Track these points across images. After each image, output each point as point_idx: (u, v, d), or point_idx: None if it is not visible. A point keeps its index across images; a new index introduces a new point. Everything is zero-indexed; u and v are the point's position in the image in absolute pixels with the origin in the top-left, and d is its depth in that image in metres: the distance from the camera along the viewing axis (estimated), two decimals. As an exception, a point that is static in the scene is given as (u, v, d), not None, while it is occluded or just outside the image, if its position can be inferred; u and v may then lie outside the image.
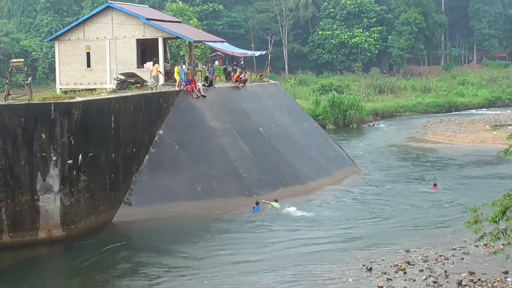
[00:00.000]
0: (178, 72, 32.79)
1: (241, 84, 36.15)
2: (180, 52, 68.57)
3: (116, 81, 32.31)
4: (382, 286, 18.50)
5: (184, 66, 34.16)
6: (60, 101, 25.72)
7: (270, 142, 33.73)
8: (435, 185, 32.73)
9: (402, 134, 54.73)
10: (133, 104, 28.70)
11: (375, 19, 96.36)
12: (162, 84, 34.72)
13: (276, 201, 29.13)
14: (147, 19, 35.54)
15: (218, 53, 59.46)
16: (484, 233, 14.95)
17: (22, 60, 33.11)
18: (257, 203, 28.56)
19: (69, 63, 36.66)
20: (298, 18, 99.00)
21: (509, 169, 36.75)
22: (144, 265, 21.55)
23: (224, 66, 49.07)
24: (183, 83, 32.44)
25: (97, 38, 36.02)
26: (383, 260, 21.03)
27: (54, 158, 24.04)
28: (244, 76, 37.28)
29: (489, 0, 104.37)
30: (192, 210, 27.91)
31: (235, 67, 39.22)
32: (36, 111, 24.10)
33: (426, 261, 20.65)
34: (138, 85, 31.88)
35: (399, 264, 20.32)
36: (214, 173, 29.86)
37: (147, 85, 32.83)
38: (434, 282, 18.70)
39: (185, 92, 32.19)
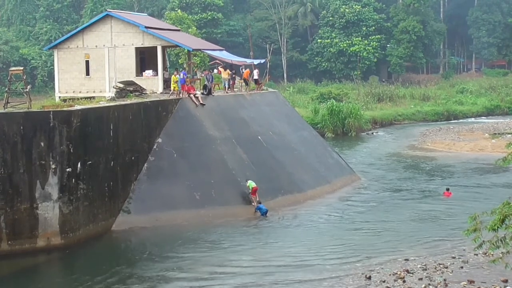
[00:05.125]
0: (175, 80, 32.86)
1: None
2: (179, 61, 68.61)
3: (115, 89, 32.34)
4: (381, 295, 18.50)
5: (181, 74, 34.15)
6: (59, 109, 25.75)
7: (269, 150, 33.73)
8: (447, 190, 32.61)
9: (401, 142, 54.71)
10: (132, 112, 28.70)
11: (374, 27, 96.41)
12: (161, 92, 34.77)
13: (246, 181, 29.57)
14: (146, 27, 35.60)
15: (217, 61, 59.51)
16: (483, 241, 14.92)
17: (21, 68, 33.24)
18: (260, 203, 28.66)
19: (68, 71, 36.70)
20: (297, 27, 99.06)
21: (508, 178, 36.77)
22: (142, 274, 21.51)
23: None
24: (180, 91, 32.57)
25: (96, 46, 36.09)
26: (382, 268, 21.02)
27: (53, 166, 24.02)
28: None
29: (488, 8, 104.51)
30: (191, 219, 27.87)
31: (233, 76, 39.22)
32: (35, 119, 24.12)
33: (425, 269, 20.63)
34: (137, 93, 31.91)
35: (398, 273, 20.30)
36: (213, 181, 29.85)
37: (146, 93, 32.86)
38: (433, 290, 18.72)
39: (184, 100, 32.22)
